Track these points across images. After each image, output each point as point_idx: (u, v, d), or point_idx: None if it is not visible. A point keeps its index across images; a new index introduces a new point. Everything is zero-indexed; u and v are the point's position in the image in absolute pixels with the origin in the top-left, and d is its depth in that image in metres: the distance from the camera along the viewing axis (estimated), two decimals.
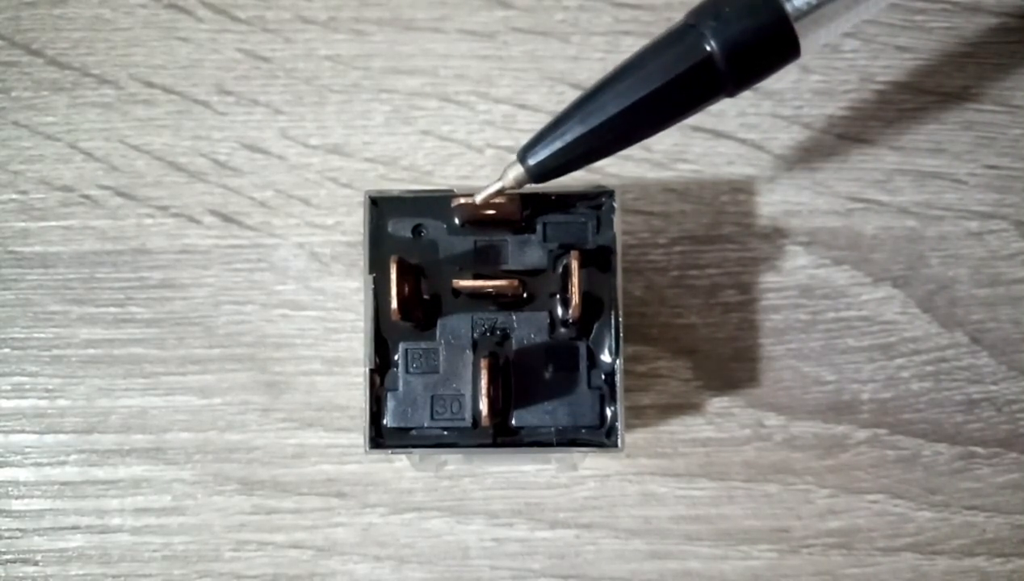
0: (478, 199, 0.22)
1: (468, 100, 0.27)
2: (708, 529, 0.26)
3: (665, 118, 0.21)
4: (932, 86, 0.27)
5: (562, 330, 0.23)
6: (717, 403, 0.26)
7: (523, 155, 0.21)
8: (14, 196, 0.27)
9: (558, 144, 0.21)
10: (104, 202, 0.27)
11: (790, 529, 0.26)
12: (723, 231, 0.27)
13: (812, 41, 0.21)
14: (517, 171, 0.21)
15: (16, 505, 0.27)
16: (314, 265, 0.27)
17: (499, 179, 0.21)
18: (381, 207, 0.23)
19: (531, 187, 0.23)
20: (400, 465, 0.26)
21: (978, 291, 0.26)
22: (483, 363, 0.22)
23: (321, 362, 0.26)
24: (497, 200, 0.22)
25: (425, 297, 0.23)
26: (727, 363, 0.26)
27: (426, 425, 0.22)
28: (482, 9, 0.27)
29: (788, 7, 0.21)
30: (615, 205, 0.23)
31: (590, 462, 0.26)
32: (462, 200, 0.22)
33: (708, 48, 0.20)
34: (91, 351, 0.27)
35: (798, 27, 0.21)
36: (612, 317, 0.22)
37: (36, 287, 0.27)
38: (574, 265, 0.22)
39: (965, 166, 0.27)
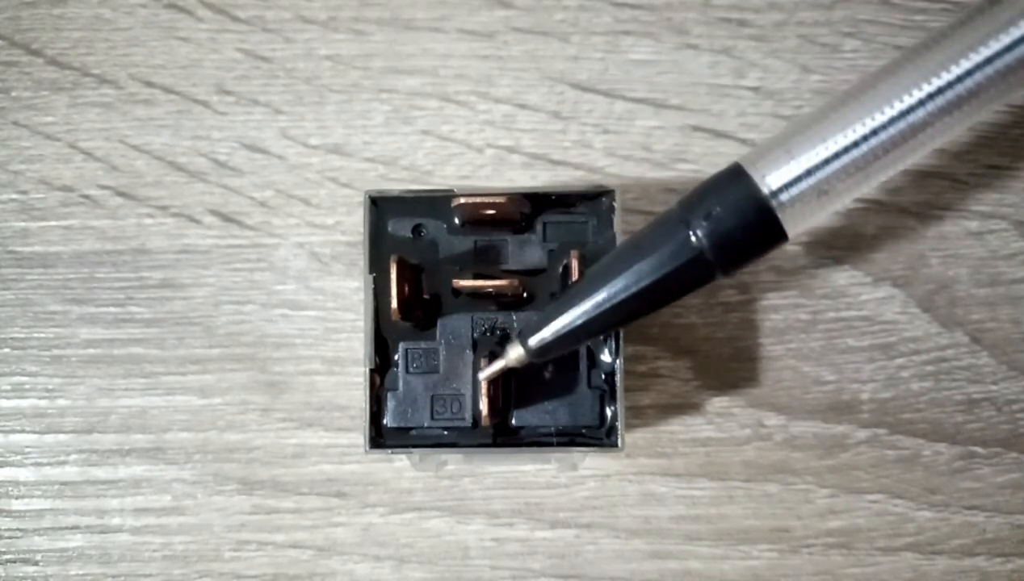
0: (481, 378, 0.22)
1: (468, 100, 0.27)
2: (708, 529, 0.26)
3: (658, 305, 0.22)
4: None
5: None
6: (717, 403, 0.26)
7: (525, 339, 0.22)
8: (14, 196, 0.27)
9: (556, 330, 0.22)
10: (104, 202, 0.27)
11: (790, 529, 0.26)
12: None
13: (800, 226, 0.22)
14: (518, 351, 0.22)
15: (16, 505, 0.27)
16: (314, 265, 0.27)
17: (502, 358, 0.22)
18: (381, 207, 0.23)
19: (528, 188, 0.23)
20: (400, 465, 0.26)
21: (978, 291, 0.26)
22: (483, 363, 0.22)
23: (321, 362, 0.26)
24: (497, 200, 0.23)
25: (425, 297, 0.23)
26: (727, 363, 0.26)
27: (426, 425, 0.22)
28: (482, 9, 0.27)
29: (774, 203, 0.21)
30: (615, 205, 0.23)
31: (590, 462, 0.26)
32: (480, 376, 0.22)
33: (698, 245, 0.21)
34: (91, 351, 0.27)
35: (785, 219, 0.22)
36: None
37: (36, 287, 0.27)
38: (574, 265, 0.22)
39: (965, 166, 0.27)
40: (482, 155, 0.27)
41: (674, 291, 0.22)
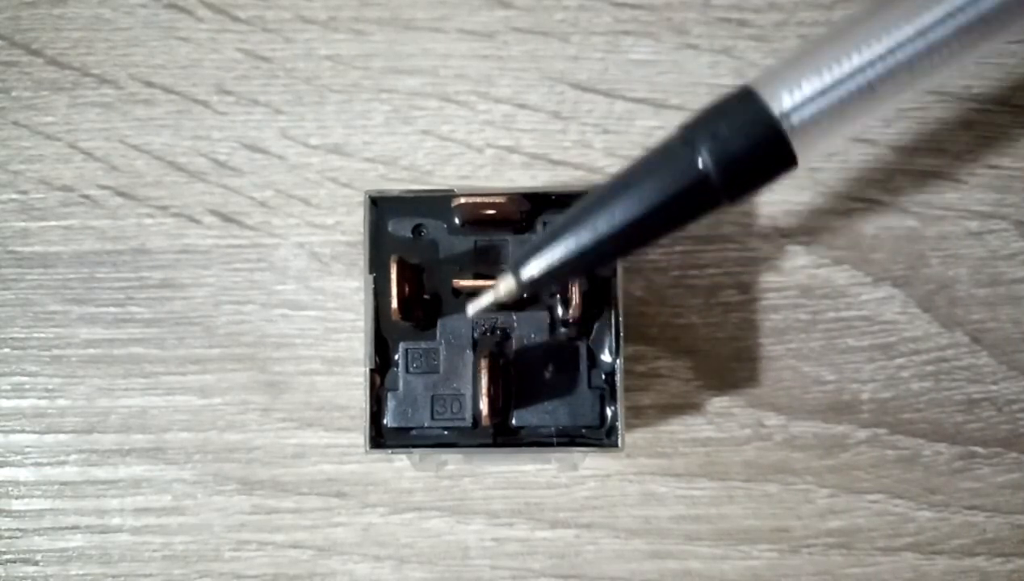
0: (470, 311, 0.21)
1: (468, 100, 0.27)
2: (708, 529, 0.26)
3: (660, 233, 0.21)
4: (932, 86, 0.27)
5: (562, 330, 0.23)
6: (717, 403, 0.26)
7: (516, 268, 0.21)
8: (14, 196, 0.27)
9: (551, 260, 0.20)
10: (104, 202, 0.27)
11: (790, 529, 0.26)
12: (723, 231, 0.27)
13: (810, 153, 0.21)
14: (509, 283, 0.21)
15: (16, 505, 0.27)
16: (314, 265, 0.27)
17: (492, 291, 0.21)
18: (381, 207, 0.23)
19: (528, 188, 0.23)
20: (400, 465, 0.26)
21: (978, 291, 0.26)
22: (483, 363, 0.22)
23: (321, 362, 0.26)
24: (497, 200, 0.23)
25: (425, 297, 0.23)
26: (727, 363, 0.26)
27: (426, 425, 0.22)
28: (482, 9, 0.27)
29: (785, 124, 0.20)
30: None
31: (590, 462, 0.26)
32: (468, 311, 0.22)
33: (703, 165, 0.20)
34: (91, 351, 0.27)
35: (795, 142, 0.20)
36: (612, 317, 0.22)
37: (36, 287, 0.27)
38: None
39: (965, 166, 0.27)
40: (482, 155, 0.27)
41: (677, 217, 0.20)
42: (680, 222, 0.21)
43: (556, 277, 0.21)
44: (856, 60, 0.20)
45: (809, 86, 0.20)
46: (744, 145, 0.20)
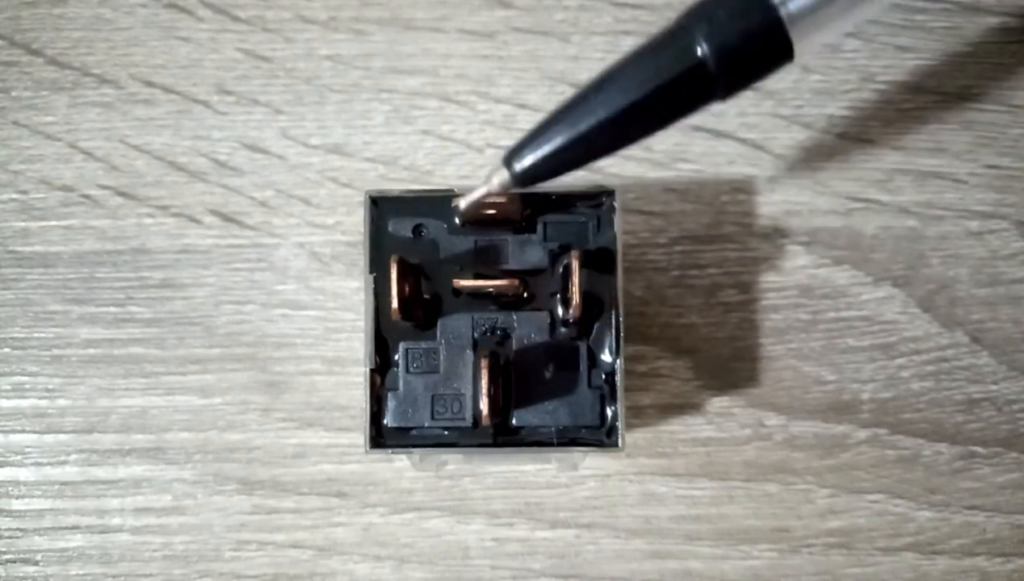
0: (462, 205, 0.21)
1: (468, 100, 0.27)
2: (708, 529, 0.26)
3: (656, 122, 0.20)
4: (933, 86, 0.27)
5: (562, 330, 0.23)
6: (717, 403, 0.26)
7: (509, 159, 0.20)
8: (14, 196, 0.27)
9: (545, 148, 0.20)
10: (104, 202, 0.27)
11: (790, 529, 0.26)
12: (723, 231, 0.27)
13: (807, 45, 0.21)
14: (502, 176, 0.20)
15: (16, 505, 0.27)
16: (314, 265, 0.27)
17: (484, 184, 0.20)
18: (381, 207, 0.23)
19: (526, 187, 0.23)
20: (400, 465, 0.26)
21: (978, 291, 0.26)
22: (483, 363, 0.22)
23: (321, 362, 0.26)
24: (498, 200, 0.22)
25: (425, 297, 0.23)
26: (727, 363, 0.26)
27: (426, 425, 0.22)
28: (482, 9, 0.27)
29: (782, 11, 0.20)
30: (616, 205, 0.23)
31: (590, 462, 0.26)
32: (461, 204, 0.22)
33: (700, 51, 0.20)
34: (91, 351, 0.27)
35: (792, 30, 0.20)
36: (612, 317, 0.22)
37: (36, 287, 0.27)
38: (575, 265, 0.22)
39: (966, 166, 0.27)
40: (482, 155, 0.27)
41: (672, 106, 0.20)
42: (675, 112, 0.20)
43: (551, 168, 0.20)
44: None
45: None
46: (741, 32, 0.20)
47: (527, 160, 0.20)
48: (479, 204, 0.22)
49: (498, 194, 0.20)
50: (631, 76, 0.20)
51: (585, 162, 0.21)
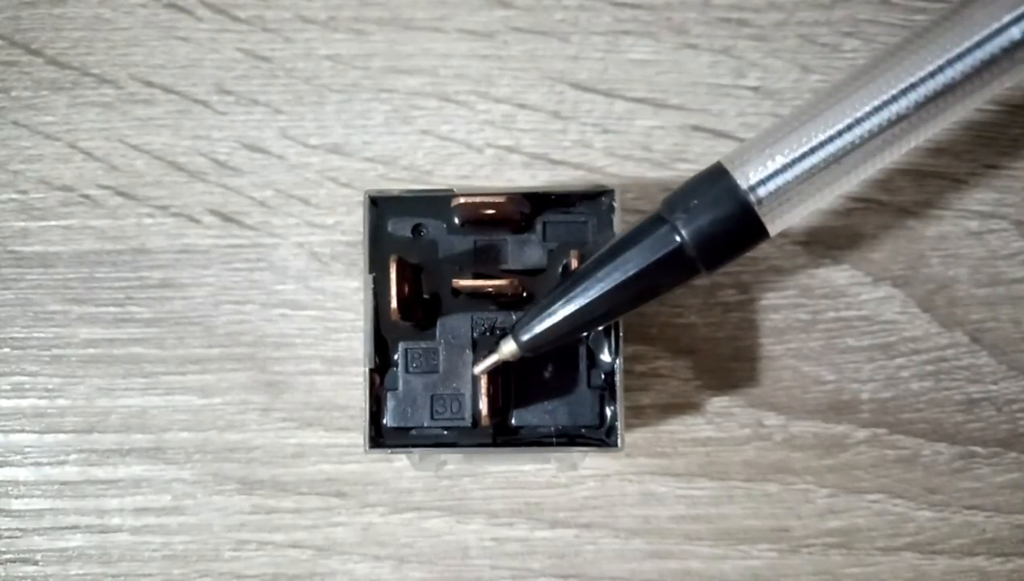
0: (477, 371, 0.22)
1: (468, 100, 0.27)
2: (708, 529, 0.26)
3: (644, 298, 0.22)
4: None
5: None
6: (717, 403, 0.26)
7: (516, 333, 0.22)
8: (14, 196, 0.27)
9: (547, 324, 0.22)
10: (104, 202, 0.27)
11: (790, 529, 0.26)
12: None
13: (780, 224, 0.22)
14: (511, 347, 0.22)
15: (16, 505, 0.27)
16: (314, 265, 0.27)
17: (495, 353, 0.22)
18: (381, 207, 0.23)
19: (528, 187, 0.23)
20: (400, 465, 0.26)
21: (978, 291, 0.26)
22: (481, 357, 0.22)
23: (321, 362, 0.26)
24: (497, 200, 0.23)
25: (425, 296, 0.23)
26: (727, 363, 0.26)
27: (426, 425, 0.22)
28: (482, 8, 0.27)
29: (751, 197, 0.22)
30: (615, 205, 0.23)
31: (590, 462, 0.26)
32: (476, 370, 0.22)
33: (678, 239, 0.21)
34: (91, 351, 0.27)
35: (764, 214, 0.22)
36: None
37: (36, 287, 0.27)
38: (574, 264, 0.22)
39: (965, 165, 0.27)
40: (482, 155, 0.27)
41: (658, 285, 0.22)
42: (661, 288, 0.22)
43: (552, 339, 0.22)
44: (819, 135, 0.22)
45: (774, 162, 0.22)
46: (715, 218, 0.22)
47: (532, 333, 0.22)
48: (479, 206, 0.22)
49: (507, 361, 0.22)
50: (620, 262, 0.22)
51: (583, 332, 0.22)
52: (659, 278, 0.22)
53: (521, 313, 0.23)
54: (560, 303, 0.22)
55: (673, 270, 0.22)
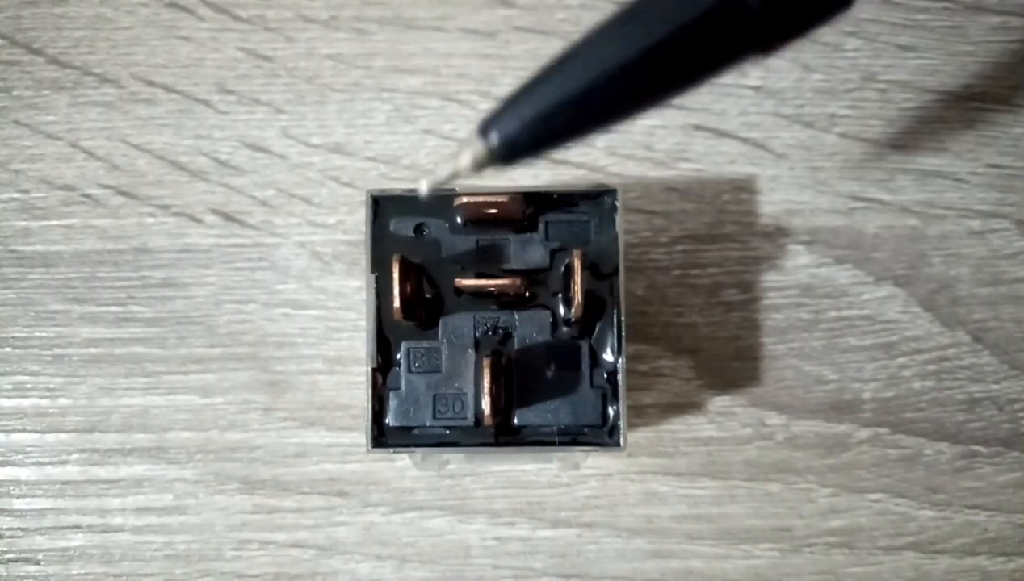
0: (424, 189, 0.16)
1: (470, 99, 0.27)
2: (710, 528, 0.26)
3: (677, 78, 0.15)
4: (934, 85, 0.27)
5: (564, 329, 0.23)
6: (719, 402, 0.26)
7: (485, 128, 0.15)
8: (15, 195, 0.27)
9: (531, 113, 0.15)
10: (105, 201, 0.27)
11: (792, 528, 0.26)
12: (725, 230, 0.27)
13: None
14: (476, 149, 0.15)
15: (17, 504, 0.27)
16: (316, 264, 0.27)
17: (451, 160, 0.15)
18: (383, 206, 0.23)
19: (530, 187, 0.23)
20: (402, 464, 0.26)
21: (980, 290, 0.26)
22: (485, 362, 0.22)
23: (323, 361, 0.26)
24: (500, 199, 0.22)
25: (427, 296, 0.23)
26: (729, 362, 0.26)
27: (428, 424, 0.22)
28: (484, 8, 0.27)
29: None
30: (617, 204, 0.23)
31: (592, 461, 0.26)
32: (422, 189, 0.18)
33: None
34: (92, 350, 0.27)
35: None
36: (614, 316, 0.22)
37: (37, 286, 0.27)
38: (576, 264, 0.22)
39: (967, 165, 0.27)
40: None
41: (698, 55, 0.15)
42: (701, 65, 0.15)
43: (539, 138, 0.15)
44: None
45: None
46: None
47: (508, 128, 0.15)
48: (482, 205, 0.22)
49: (469, 175, 0.16)
50: (645, 16, 0.15)
51: (583, 131, 0.16)
52: (701, 44, 0.15)
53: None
54: (551, 82, 0.15)
55: (725, 32, 0.15)
